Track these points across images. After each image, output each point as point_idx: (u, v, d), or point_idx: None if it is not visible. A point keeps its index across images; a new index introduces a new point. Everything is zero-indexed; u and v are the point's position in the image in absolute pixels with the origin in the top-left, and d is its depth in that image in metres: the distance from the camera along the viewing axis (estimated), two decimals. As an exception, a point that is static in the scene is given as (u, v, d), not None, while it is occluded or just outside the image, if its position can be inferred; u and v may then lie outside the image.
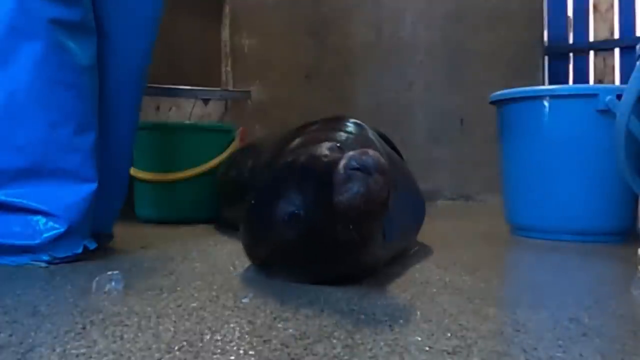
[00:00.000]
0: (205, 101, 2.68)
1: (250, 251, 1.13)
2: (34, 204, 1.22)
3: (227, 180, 1.90)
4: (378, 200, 0.88)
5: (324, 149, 0.98)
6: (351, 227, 0.91)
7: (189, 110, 2.63)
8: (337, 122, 1.36)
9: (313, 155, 0.98)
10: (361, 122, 1.38)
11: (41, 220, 1.22)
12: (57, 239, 1.22)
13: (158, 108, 2.58)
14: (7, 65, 1.21)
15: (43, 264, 1.20)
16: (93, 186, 1.28)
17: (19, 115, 1.21)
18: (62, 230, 1.22)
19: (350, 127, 1.32)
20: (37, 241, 1.21)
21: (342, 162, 0.89)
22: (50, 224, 1.22)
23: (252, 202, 1.08)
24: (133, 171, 2.04)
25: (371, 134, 1.36)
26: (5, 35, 1.20)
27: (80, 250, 1.25)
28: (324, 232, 0.94)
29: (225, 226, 1.85)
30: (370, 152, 0.89)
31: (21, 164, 1.22)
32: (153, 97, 2.51)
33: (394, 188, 1.00)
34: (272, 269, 1.09)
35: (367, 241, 0.97)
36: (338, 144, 1.01)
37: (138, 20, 1.40)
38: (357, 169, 0.87)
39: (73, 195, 1.25)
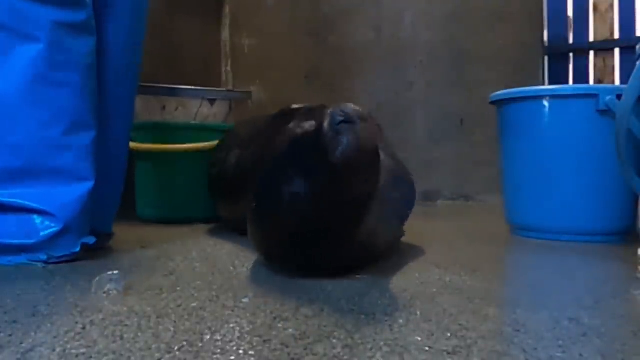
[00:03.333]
0: (212, 101, 2.70)
1: (259, 242, 1.13)
2: (29, 203, 1.21)
3: (215, 176, 1.85)
4: (370, 147, 0.89)
5: (307, 125, 0.99)
6: (353, 186, 0.91)
7: (194, 110, 2.64)
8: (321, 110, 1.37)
9: (298, 132, 0.99)
10: None
11: (37, 219, 1.22)
12: (53, 238, 1.22)
13: (164, 108, 2.59)
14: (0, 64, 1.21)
15: (40, 264, 1.20)
16: (89, 184, 1.28)
17: (10, 115, 1.21)
18: (58, 228, 1.22)
19: None
20: (33, 240, 1.21)
21: (326, 121, 0.90)
22: (47, 222, 1.22)
23: (254, 204, 1.08)
24: (132, 145, 1.98)
25: None
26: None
27: (78, 249, 1.25)
28: (330, 196, 0.94)
29: (224, 225, 1.84)
30: (348, 104, 0.90)
31: (14, 164, 1.22)
32: (159, 97, 2.52)
33: (382, 138, 1.02)
34: (282, 255, 1.09)
35: (369, 201, 0.98)
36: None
37: (126, 16, 1.40)
38: (342, 121, 0.87)
39: (69, 194, 1.25)
